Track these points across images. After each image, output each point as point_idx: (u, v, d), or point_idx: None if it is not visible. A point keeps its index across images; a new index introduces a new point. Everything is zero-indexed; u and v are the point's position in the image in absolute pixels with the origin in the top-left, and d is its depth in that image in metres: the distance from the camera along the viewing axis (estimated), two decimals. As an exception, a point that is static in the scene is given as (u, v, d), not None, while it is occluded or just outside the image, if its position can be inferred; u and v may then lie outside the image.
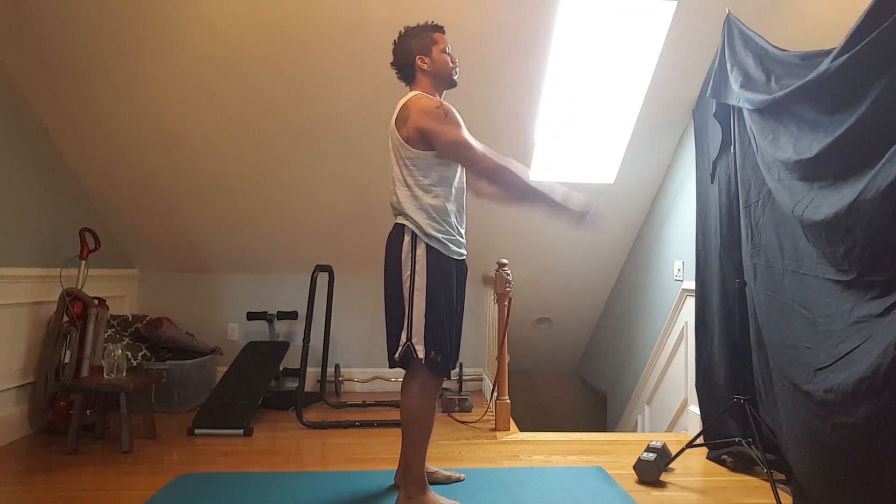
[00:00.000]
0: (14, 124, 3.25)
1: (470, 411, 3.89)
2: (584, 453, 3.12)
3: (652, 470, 2.68)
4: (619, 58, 3.44)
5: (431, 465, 2.54)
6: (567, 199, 2.31)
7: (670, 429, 3.73)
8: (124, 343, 3.81)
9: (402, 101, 2.32)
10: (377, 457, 2.96)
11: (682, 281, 3.61)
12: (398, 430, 2.38)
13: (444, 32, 2.38)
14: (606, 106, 3.68)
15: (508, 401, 3.50)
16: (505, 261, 3.49)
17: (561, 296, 4.78)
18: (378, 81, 3.23)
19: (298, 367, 3.65)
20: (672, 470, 2.80)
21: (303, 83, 3.37)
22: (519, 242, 4.25)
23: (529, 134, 3.68)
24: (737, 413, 2.76)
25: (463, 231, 2.37)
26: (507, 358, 3.52)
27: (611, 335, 4.84)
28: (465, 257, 2.38)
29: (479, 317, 4.43)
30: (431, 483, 2.38)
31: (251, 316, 4.28)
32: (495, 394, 3.56)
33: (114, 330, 3.84)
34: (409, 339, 2.22)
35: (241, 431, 3.31)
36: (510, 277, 3.45)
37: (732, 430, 2.84)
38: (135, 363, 3.79)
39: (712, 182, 3.15)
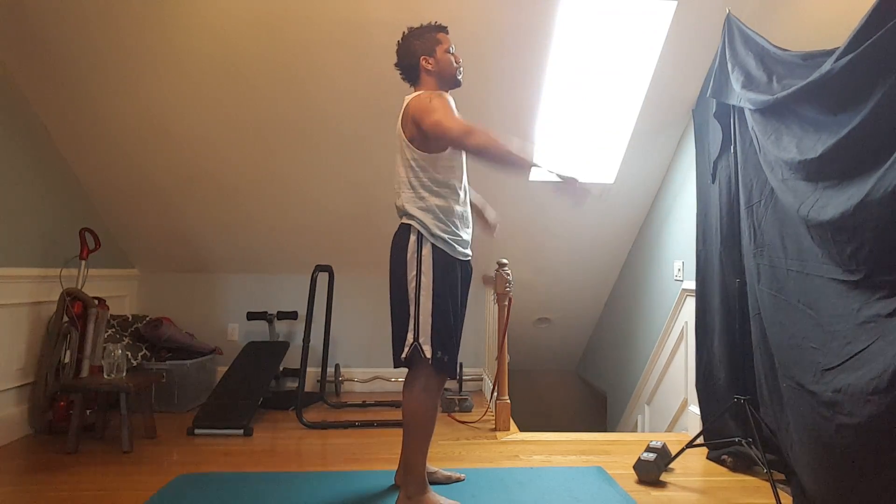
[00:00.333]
0: (14, 124, 3.25)
1: (470, 411, 3.89)
2: (584, 453, 3.12)
3: (652, 470, 2.68)
4: (618, 58, 3.44)
5: (431, 465, 2.54)
6: (561, 171, 2.24)
7: (670, 429, 3.73)
8: (124, 343, 3.81)
9: (406, 101, 2.32)
10: (377, 457, 2.96)
11: (682, 281, 3.61)
12: (398, 430, 2.37)
13: (447, 32, 2.37)
14: (606, 106, 3.68)
15: (508, 401, 3.50)
16: (505, 261, 3.49)
17: (561, 296, 4.78)
18: (378, 81, 3.23)
19: (298, 367, 3.66)
20: (672, 470, 2.80)
21: (303, 83, 3.37)
22: (519, 242, 4.25)
23: (529, 134, 3.68)
24: (737, 413, 2.76)
25: (469, 231, 2.37)
26: (507, 358, 3.52)
27: (611, 335, 4.84)
28: (470, 258, 2.38)
29: (479, 317, 4.43)
30: (431, 483, 2.38)
31: (251, 316, 4.28)
32: (495, 394, 3.56)
33: (114, 330, 3.84)
34: (416, 339, 2.22)
35: (241, 431, 3.31)
36: (510, 277, 3.46)
37: (732, 431, 2.84)
38: (135, 363, 3.79)
39: (713, 182, 3.14)
